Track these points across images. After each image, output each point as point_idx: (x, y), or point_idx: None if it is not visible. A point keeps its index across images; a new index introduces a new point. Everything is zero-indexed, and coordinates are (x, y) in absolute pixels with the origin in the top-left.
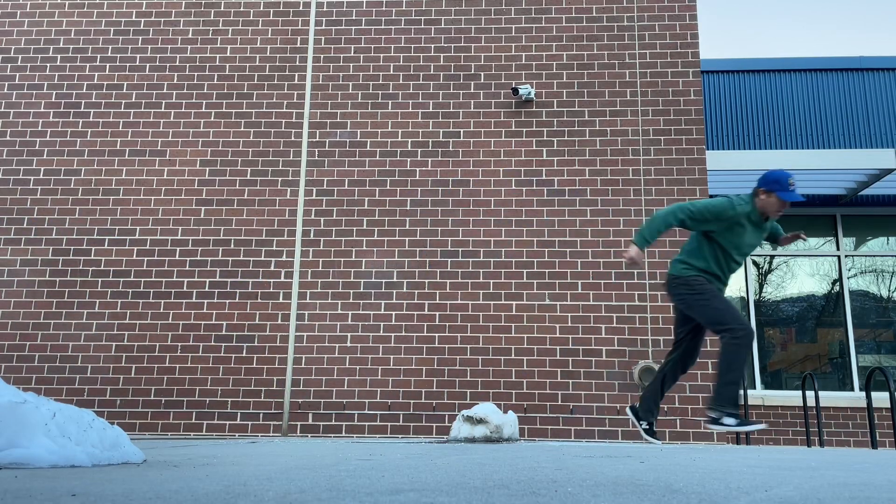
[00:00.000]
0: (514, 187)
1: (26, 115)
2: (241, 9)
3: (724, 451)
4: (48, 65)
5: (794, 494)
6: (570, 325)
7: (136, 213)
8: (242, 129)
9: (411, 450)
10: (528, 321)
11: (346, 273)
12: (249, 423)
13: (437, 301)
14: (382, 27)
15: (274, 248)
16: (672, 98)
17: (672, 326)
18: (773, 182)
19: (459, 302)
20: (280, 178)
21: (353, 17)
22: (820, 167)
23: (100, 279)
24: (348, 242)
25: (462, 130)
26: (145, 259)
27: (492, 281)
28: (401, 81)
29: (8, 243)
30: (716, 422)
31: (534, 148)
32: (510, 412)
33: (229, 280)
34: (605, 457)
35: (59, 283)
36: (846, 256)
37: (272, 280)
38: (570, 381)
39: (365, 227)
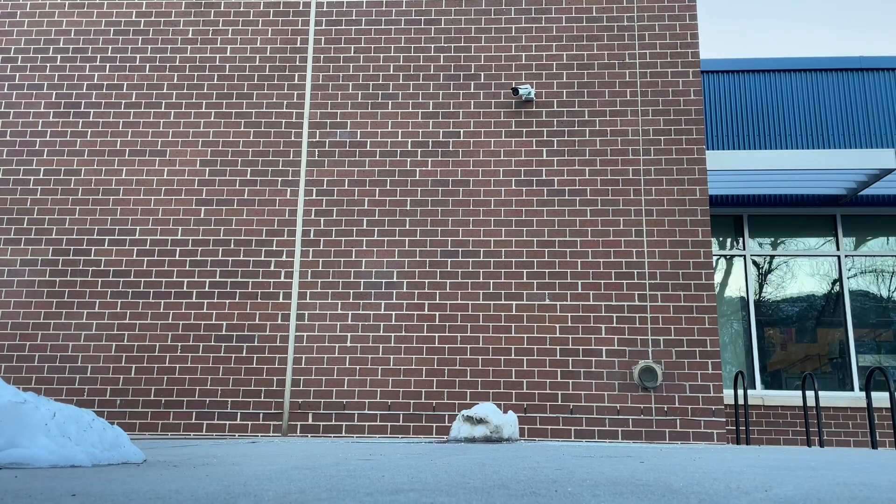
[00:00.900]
0: (514, 187)
1: (26, 115)
2: (241, 9)
3: (724, 451)
4: (48, 65)
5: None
6: (570, 325)
7: (136, 213)
8: (242, 129)
9: (411, 450)
10: (528, 321)
11: (346, 273)
12: (249, 423)
13: (437, 301)
14: (382, 27)
15: (274, 248)
16: (672, 98)
17: (672, 326)
18: None
19: (459, 302)
20: (280, 178)
21: (353, 17)
22: (820, 167)
23: (100, 279)
24: (348, 242)
25: (462, 130)
26: (145, 259)
27: (492, 281)
28: (401, 81)
29: (8, 243)
30: None
31: (534, 148)
32: (510, 412)
33: (229, 280)
34: (605, 457)
35: (59, 283)
36: (846, 256)
37: (272, 280)
38: (570, 381)
39: (365, 227)
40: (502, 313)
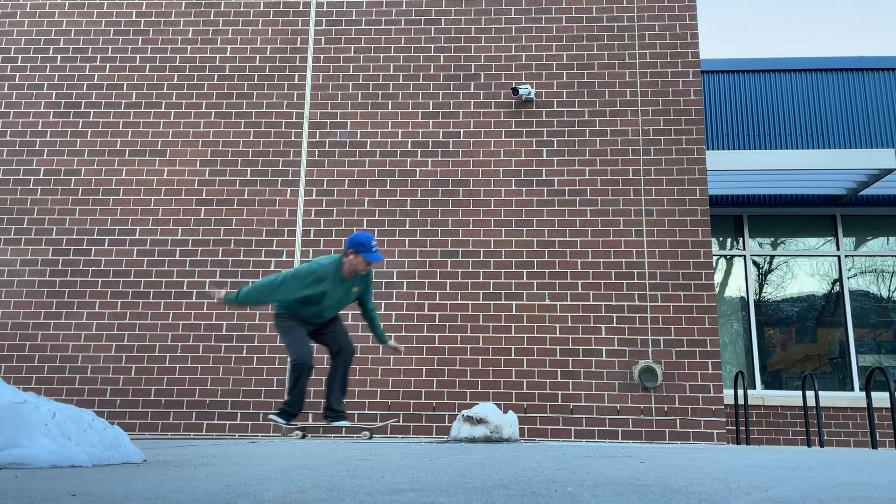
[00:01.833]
0: (514, 187)
1: (26, 115)
2: (241, 9)
3: (724, 451)
4: (48, 65)
5: (794, 494)
6: (570, 325)
7: (136, 213)
8: (242, 129)
9: (411, 450)
10: (528, 321)
11: None
12: (249, 423)
13: (437, 301)
14: (382, 27)
15: (274, 248)
16: (672, 98)
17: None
18: (360, 245)
19: (459, 302)
20: (280, 178)
21: (353, 17)
22: (820, 167)
23: (100, 279)
24: None
25: (462, 130)
26: (145, 259)
27: (492, 281)
28: (401, 81)
29: (8, 243)
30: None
31: (534, 148)
32: (510, 412)
33: (230, 280)
34: (605, 457)
35: (59, 283)
36: (846, 256)
37: None
38: (570, 381)
39: (365, 227)
40: (502, 313)
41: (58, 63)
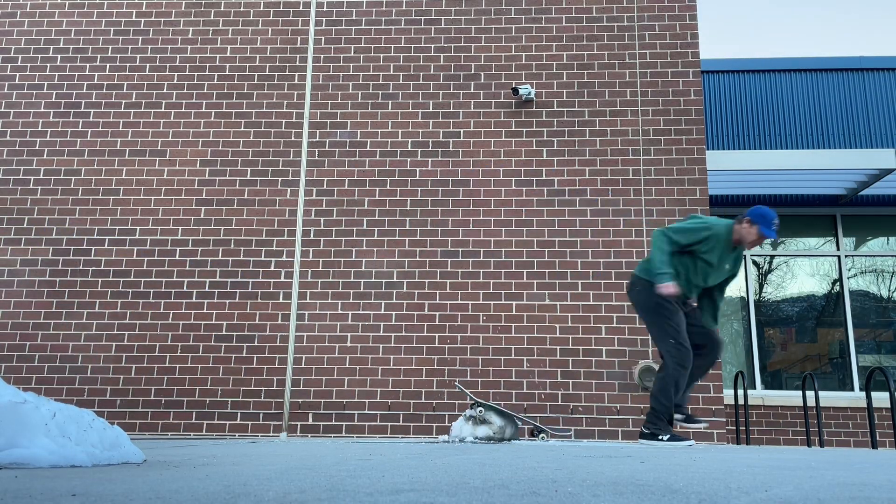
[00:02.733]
0: (514, 187)
1: (26, 115)
2: (241, 9)
3: (724, 451)
4: (48, 65)
5: (794, 494)
6: (570, 325)
7: (136, 213)
8: (242, 129)
9: (411, 450)
10: (528, 321)
11: (346, 273)
12: (249, 423)
13: (437, 301)
14: (382, 27)
15: (274, 248)
16: (672, 98)
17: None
18: (761, 216)
19: (459, 302)
20: (280, 178)
21: (353, 17)
22: (820, 167)
23: (100, 279)
24: (348, 242)
25: (462, 130)
26: (145, 259)
27: (492, 281)
28: (401, 81)
29: (8, 243)
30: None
31: (534, 148)
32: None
33: (229, 280)
34: (605, 457)
35: (59, 283)
36: (846, 256)
37: (272, 280)
38: (570, 381)
39: (365, 227)
40: (502, 313)
41: (58, 63)
